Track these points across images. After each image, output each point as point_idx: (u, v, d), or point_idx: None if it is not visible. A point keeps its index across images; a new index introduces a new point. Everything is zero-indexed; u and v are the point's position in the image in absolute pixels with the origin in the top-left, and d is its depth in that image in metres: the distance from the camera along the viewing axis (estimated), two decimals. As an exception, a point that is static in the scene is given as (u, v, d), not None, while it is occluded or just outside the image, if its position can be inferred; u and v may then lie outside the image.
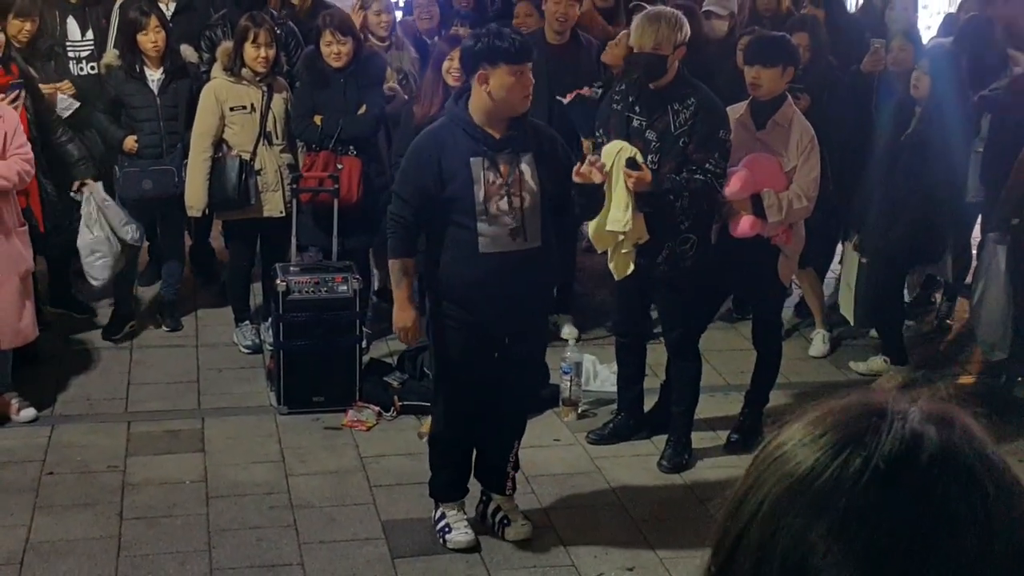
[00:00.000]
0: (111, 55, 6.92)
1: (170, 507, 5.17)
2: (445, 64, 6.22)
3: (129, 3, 6.87)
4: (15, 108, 6.00)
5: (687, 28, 5.30)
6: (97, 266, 6.52)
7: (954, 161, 6.29)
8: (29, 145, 5.78)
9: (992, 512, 0.95)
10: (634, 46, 5.27)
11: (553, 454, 5.76)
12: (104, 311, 7.17)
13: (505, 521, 4.99)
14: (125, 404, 6.23)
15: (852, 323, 6.89)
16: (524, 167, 4.60)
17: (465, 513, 4.99)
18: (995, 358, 6.28)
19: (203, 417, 6.08)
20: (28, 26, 6.65)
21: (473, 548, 4.88)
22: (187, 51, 7.06)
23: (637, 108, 5.32)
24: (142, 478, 5.42)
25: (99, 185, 6.53)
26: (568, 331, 7.03)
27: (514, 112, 4.57)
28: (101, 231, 6.46)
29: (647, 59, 5.20)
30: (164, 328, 7.06)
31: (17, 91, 6.18)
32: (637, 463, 5.67)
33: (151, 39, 6.64)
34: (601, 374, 6.39)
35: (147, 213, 6.91)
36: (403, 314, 4.84)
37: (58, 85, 6.74)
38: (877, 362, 6.72)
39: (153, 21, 6.67)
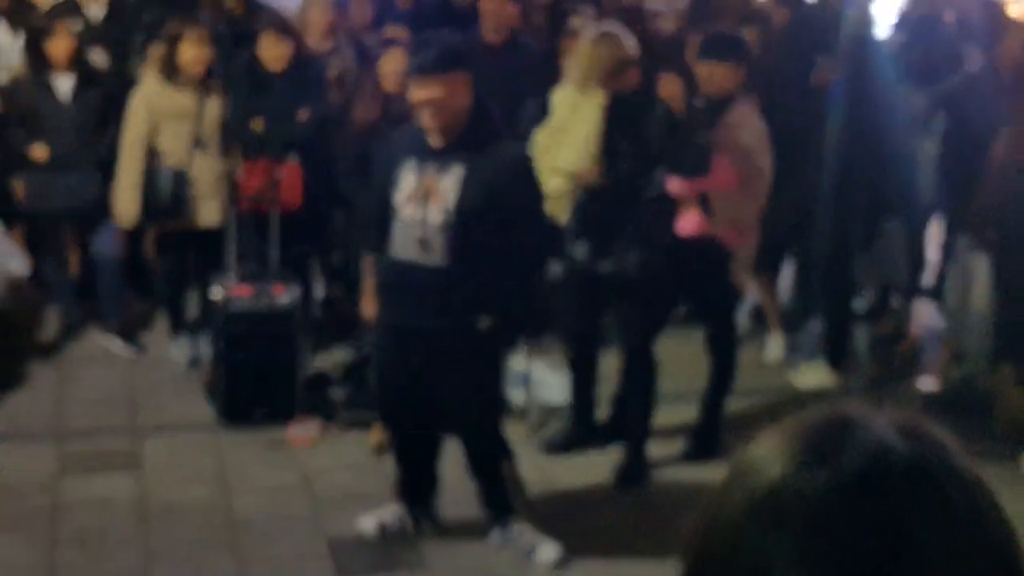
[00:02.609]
0: (17, 64, 6.72)
1: (105, 529, 4.96)
2: (382, 67, 6.09)
3: (57, 7, 6.66)
4: None
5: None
6: None
7: (905, 157, 6.25)
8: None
9: (960, 528, 0.93)
10: None
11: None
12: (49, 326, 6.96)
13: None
14: (57, 422, 5.99)
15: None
16: (447, 181, 4.44)
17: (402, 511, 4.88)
18: (974, 366, 6.22)
19: (139, 434, 5.86)
20: None
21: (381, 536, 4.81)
22: (97, 56, 6.86)
23: None
24: (75, 499, 5.19)
25: None
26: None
27: (426, 125, 4.44)
28: None
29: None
30: (131, 348, 6.80)
31: None
32: (591, 472, 5.53)
33: (59, 45, 6.42)
34: (551, 383, 6.24)
35: (57, 228, 6.71)
36: (365, 306, 4.91)
37: None
38: (819, 375, 6.59)
39: (60, 27, 6.47)
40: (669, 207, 5.30)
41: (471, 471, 4.86)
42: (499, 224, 4.40)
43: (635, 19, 7.11)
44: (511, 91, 6.27)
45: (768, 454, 0.98)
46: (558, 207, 5.26)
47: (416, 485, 4.92)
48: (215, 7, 7.26)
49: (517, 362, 6.00)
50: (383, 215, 4.56)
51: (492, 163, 4.42)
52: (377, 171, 4.69)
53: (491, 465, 4.83)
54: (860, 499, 0.92)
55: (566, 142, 5.21)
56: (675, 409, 6.06)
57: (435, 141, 4.47)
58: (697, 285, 5.67)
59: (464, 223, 4.39)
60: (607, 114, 5.18)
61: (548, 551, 4.76)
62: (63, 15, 6.93)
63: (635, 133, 5.16)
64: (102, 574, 4.65)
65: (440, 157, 4.44)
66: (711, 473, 5.41)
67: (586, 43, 5.23)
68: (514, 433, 5.85)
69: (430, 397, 4.69)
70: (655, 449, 5.63)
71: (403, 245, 4.50)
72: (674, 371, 6.38)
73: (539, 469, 5.54)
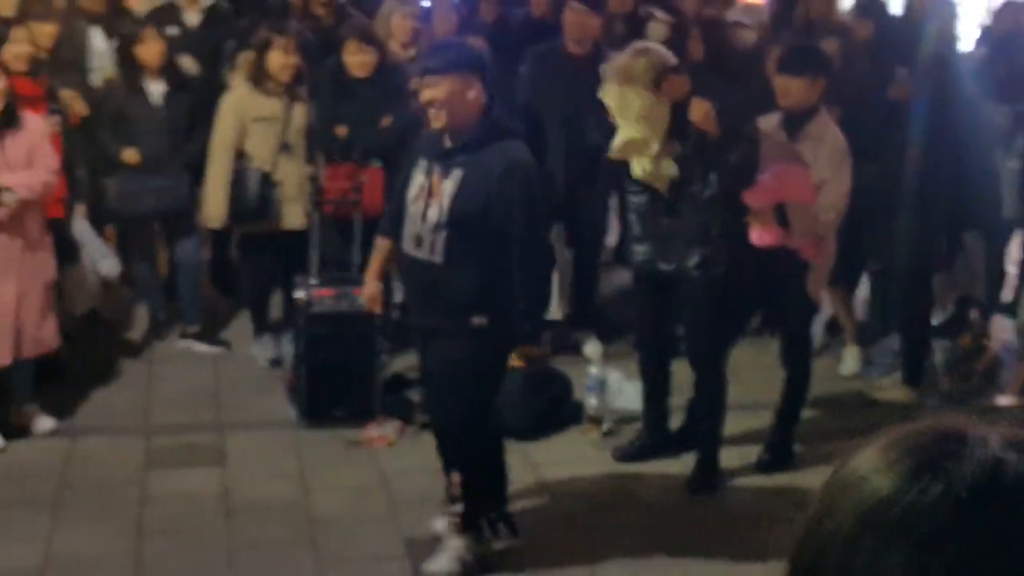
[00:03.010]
0: (110, 69, 6.90)
1: (190, 522, 5.10)
2: None
3: (158, 12, 6.84)
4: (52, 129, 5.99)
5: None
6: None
7: (986, 172, 6.21)
8: (55, 156, 5.75)
9: None
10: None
11: (578, 472, 5.67)
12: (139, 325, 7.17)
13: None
14: (145, 417, 6.17)
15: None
16: (448, 182, 4.53)
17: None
18: None
19: (223, 431, 6.01)
20: (48, 28, 6.60)
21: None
22: (187, 62, 7.03)
23: None
24: (162, 492, 5.35)
25: (83, 212, 6.52)
26: (591, 348, 6.93)
27: (433, 126, 4.57)
28: (85, 262, 6.46)
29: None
30: (215, 348, 6.98)
31: (59, 117, 6.17)
32: (664, 482, 5.57)
33: (150, 50, 6.59)
34: (626, 390, 6.29)
35: (147, 229, 6.89)
36: (368, 285, 5.03)
37: (74, 103, 6.66)
38: (897, 390, 6.58)
39: (150, 32, 6.63)
40: (730, 208, 5.30)
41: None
42: (492, 227, 4.47)
43: (714, 29, 7.14)
44: (595, 101, 6.34)
45: (875, 467, 0.97)
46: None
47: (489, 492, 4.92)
48: (305, 15, 7.42)
49: (591, 370, 6.08)
50: (399, 207, 4.72)
51: (490, 167, 4.47)
52: (405, 166, 4.83)
53: (464, 472, 4.80)
54: (975, 514, 0.91)
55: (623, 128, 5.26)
56: (748, 419, 6.10)
57: (446, 142, 4.57)
58: (773, 296, 5.70)
59: (458, 223, 4.49)
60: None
61: (440, 563, 4.74)
62: (161, 21, 7.13)
63: (687, 137, 5.21)
64: (187, 566, 4.78)
65: (447, 158, 4.55)
66: (784, 484, 5.46)
67: (625, 55, 5.28)
68: (588, 440, 5.96)
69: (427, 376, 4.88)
70: (728, 458, 5.66)
71: (407, 240, 4.66)
72: (748, 380, 6.41)
73: (612, 478, 5.61)
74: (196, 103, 6.77)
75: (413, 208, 4.60)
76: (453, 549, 4.76)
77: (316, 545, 4.95)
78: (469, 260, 4.49)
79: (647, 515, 5.29)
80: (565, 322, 7.09)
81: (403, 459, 5.75)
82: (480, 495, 4.83)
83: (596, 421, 6.02)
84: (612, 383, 6.25)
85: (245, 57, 6.67)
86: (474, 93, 4.46)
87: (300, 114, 6.57)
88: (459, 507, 4.79)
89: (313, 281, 6.24)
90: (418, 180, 4.60)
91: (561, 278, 7.03)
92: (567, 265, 7.16)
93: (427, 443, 5.87)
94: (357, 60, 6.44)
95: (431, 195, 4.53)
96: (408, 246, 4.64)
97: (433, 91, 4.45)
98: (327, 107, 6.58)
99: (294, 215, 6.61)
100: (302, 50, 6.68)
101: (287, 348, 6.66)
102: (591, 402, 6.03)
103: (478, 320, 4.52)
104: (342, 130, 6.49)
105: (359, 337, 6.09)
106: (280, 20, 6.77)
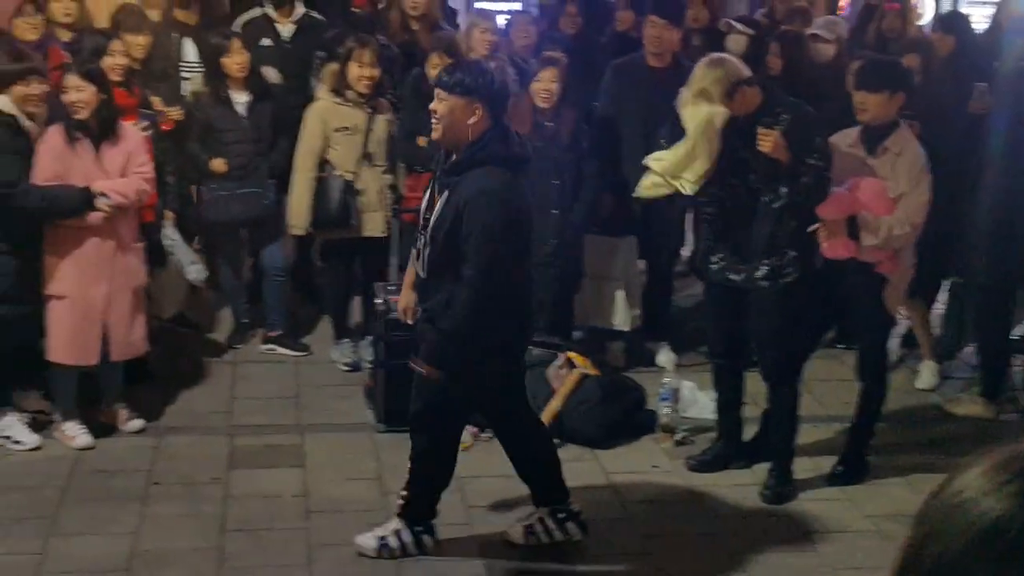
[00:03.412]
0: (197, 81, 7.07)
1: (271, 521, 5.23)
2: (534, 85, 6.31)
3: (251, 23, 7.00)
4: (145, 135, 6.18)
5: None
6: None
7: None
8: (151, 164, 5.93)
9: None
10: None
11: (651, 481, 5.73)
12: (223, 328, 7.37)
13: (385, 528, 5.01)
14: (228, 418, 6.33)
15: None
16: (441, 200, 4.65)
17: None
18: None
19: (303, 433, 6.15)
20: (141, 40, 6.80)
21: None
22: (269, 72, 7.19)
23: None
24: (244, 491, 5.49)
25: (172, 219, 6.69)
26: (664, 357, 7.00)
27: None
28: (173, 268, 6.63)
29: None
30: (296, 352, 7.15)
31: (148, 122, 6.36)
32: (737, 492, 5.61)
33: (235, 61, 6.76)
34: (699, 401, 6.34)
35: (234, 236, 7.06)
36: (402, 296, 5.09)
37: (168, 110, 6.85)
38: (974, 405, 6.55)
39: (236, 44, 6.79)
40: (800, 219, 5.33)
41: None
42: (461, 248, 4.57)
43: (793, 43, 7.15)
44: (672, 112, 6.40)
45: (982, 489, 0.96)
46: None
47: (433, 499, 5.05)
48: (402, 29, 7.56)
49: (665, 380, 6.14)
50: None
51: (463, 191, 4.56)
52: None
53: (416, 462, 4.97)
54: None
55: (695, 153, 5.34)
56: (822, 431, 6.12)
57: (446, 161, 4.71)
58: (847, 309, 5.71)
59: (435, 241, 4.63)
60: (730, 131, 5.29)
61: (367, 540, 4.95)
62: (254, 33, 7.30)
63: (758, 148, 5.25)
64: (267, 564, 4.90)
65: (444, 178, 4.68)
66: (858, 497, 5.48)
67: (699, 66, 5.34)
68: (661, 449, 6.01)
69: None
70: (801, 470, 5.68)
71: (412, 257, 4.88)
72: (822, 392, 6.44)
73: (684, 487, 5.66)
74: (279, 113, 6.92)
75: (423, 222, 4.78)
76: (385, 528, 4.97)
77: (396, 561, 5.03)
78: (445, 276, 4.63)
79: (719, 525, 5.33)
80: (639, 332, 7.15)
81: (477, 463, 5.82)
82: (425, 487, 4.97)
83: (669, 430, 6.07)
84: (685, 393, 6.30)
85: (329, 68, 6.82)
86: (475, 120, 4.56)
87: (382, 124, 6.71)
88: (404, 493, 4.99)
89: (392, 288, 6.35)
90: (428, 195, 4.79)
91: (634, 288, 7.09)
92: (640, 275, 7.21)
93: (501, 448, 5.98)
94: (440, 73, 6.55)
95: (429, 211, 4.70)
96: (413, 261, 4.87)
97: (438, 104, 4.61)
98: (409, 118, 6.71)
99: (375, 223, 6.75)
100: (388, 62, 6.82)
101: (366, 353, 6.80)
102: (664, 411, 6.09)
103: (430, 337, 4.67)
104: (423, 140, 6.60)
105: (437, 343, 6.18)
106: (364, 32, 6.89)
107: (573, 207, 6.50)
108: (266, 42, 7.36)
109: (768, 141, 5.15)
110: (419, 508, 5.00)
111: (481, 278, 4.53)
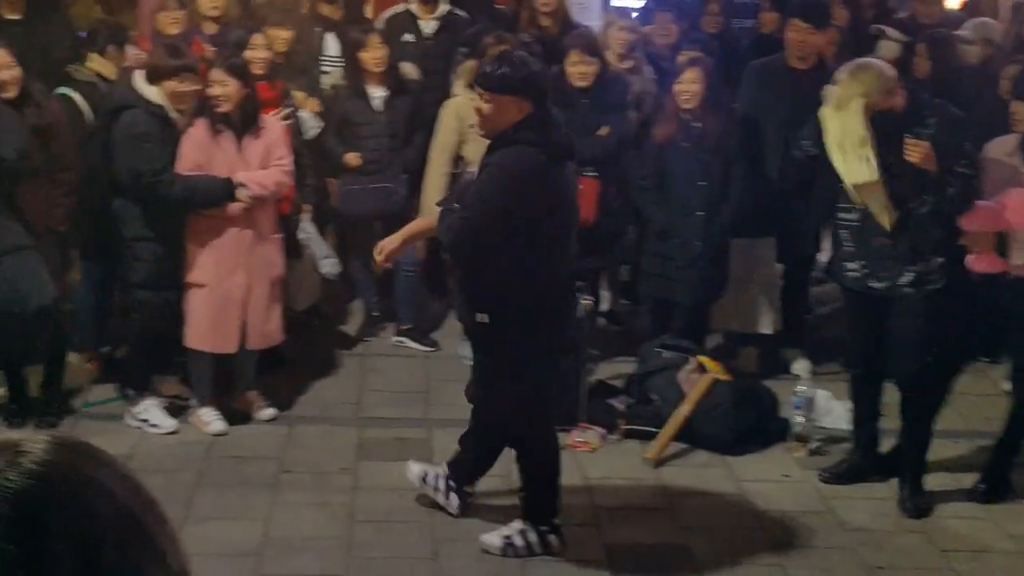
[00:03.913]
0: (337, 75, 7.14)
1: (398, 513, 5.25)
2: (677, 86, 6.24)
3: (394, 19, 7.05)
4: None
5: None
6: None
7: None
8: (290, 157, 6.01)
9: None
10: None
11: (782, 490, 5.62)
12: (355, 321, 7.44)
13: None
14: (357, 410, 6.38)
15: None
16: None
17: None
18: None
19: (431, 427, 6.17)
20: (284, 34, 6.91)
21: None
22: (407, 68, 7.22)
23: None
24: (372, 482, 5.53)
25: (309, 212, 6.77)
26: (799, 365, 6.86)
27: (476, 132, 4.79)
28: (308, 260, 6.70)
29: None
30: (425, 347, 7.19)
31: (291, 110, 6.46)
32: (871, 506, 5.47)
33: (373, 56, 6.81)
34: (835, 410, 6.20)
35: (367, 229, 7.12)
36: (391, 239, 5.11)
37: (308, 102, 6.94)
38: None
39: (374, 39, 6.83)
40: (946, 227, 5.19)
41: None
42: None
43: (942, 47, 6.98)
44: (813, 115, 6.29)
45: None
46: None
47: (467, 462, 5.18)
48: (532, 25, 7.56)
49: (799, 388, 6.01)
50: None
51: (482, 169, 4.68)
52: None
53: (518, 460, 4.99)
54: None
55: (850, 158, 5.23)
56: (964, 446, 5.94)
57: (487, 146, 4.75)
58: (1003, 323, 5.53)
59: None
60: (874, 135, 5.17)
61: (493, 539, 4.93)
62: (397, 29, 7.37)
63: (903, 153, 5.12)
64: (393, 556, 4.93)
65: (483, 160, 4.75)
66: (1000, 515, 5.30)
67: (842, 75, 5.21)
68: (793, 458, 5.89)
69: None
70: (941, 486, 5.54)
71: None
72: (965, 407, 6.24)
73: (817, 497, 5.54)
74: (415, 109, 6.96)
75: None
76: (511, 528, 4.96)
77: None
78: (476, 259, 4.69)
79: (852, 538, 5.20)
80: (773, 338, 7.02)
81: (605, 466, 5.79)
82: (538, 485, 4.97)
83: (802, 439, 5.95)
84: (820, 401, 6.17)
85: (467, 64, 6.84)
86: (520, 114, 4.57)
87: (519, 121, 6.69)
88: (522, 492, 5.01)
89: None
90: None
91: (773, 291, 6.97)
92: (777, 279, 7.09)
93: (629, 451, 5.94)
94: (578, 70, 6.53)
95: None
96: None
97: (484, 105, 4.60)
98: (547, 115, 6.68)
99: (508, 220, 6.73)
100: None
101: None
102: (798, 420, 5.96)
103: (480, 317, 4.69)
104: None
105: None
106: (505, 29, 6.89)
107: (720, 210, 6.41)
108: (408, 38, 7.41)
109: (917, 152, 5.02)
110: (540, 507, 4.97)
111: (460, 225, 4.61)
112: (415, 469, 5.28)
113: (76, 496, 0.84)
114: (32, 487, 0.82)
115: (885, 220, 5.23)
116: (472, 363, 5.08)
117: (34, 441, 0.86)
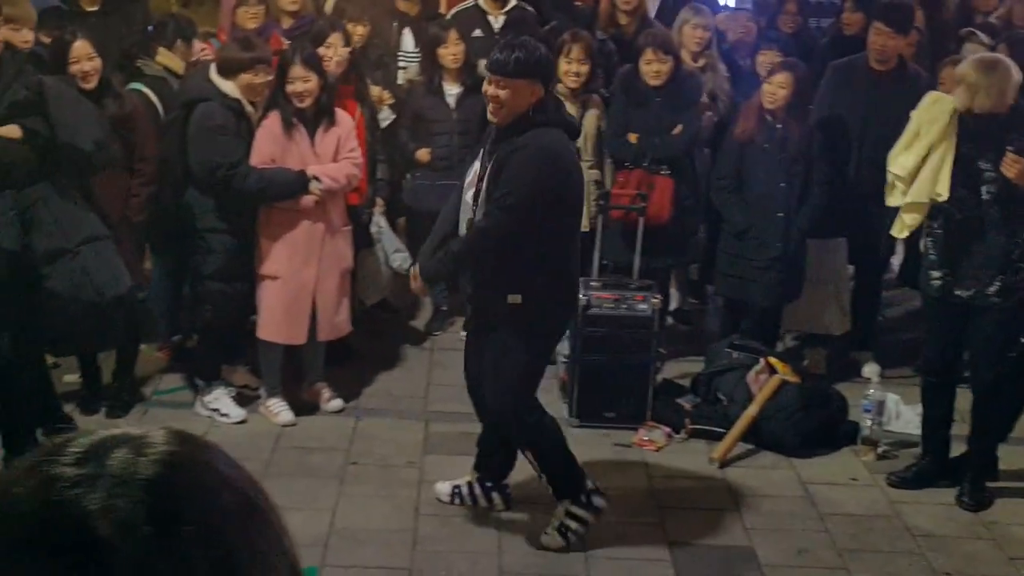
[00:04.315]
0: (412, 70, 7.16)
1: (465, 508, 5.27)
2: (765, 86, 6.21)
3: (462, 13, 7.07)
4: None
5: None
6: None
7: None
8: (360, 150, 6.05)
9: None
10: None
11: (849, 493, 5.57)
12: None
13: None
14: (424, 403, 6.42)
15: None
16: (489, 168, 4.67)
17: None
18: None
19: (498, 423, 6.19)
20: (360, 30, 6.95)
21: None
22: (480, 64, 7.22)
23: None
24: (437, 476, 5.55)
25: (381, 206, 6.81)
26: (869, 368, 6.80)
27: (489, 117, 4.71)
28: (379, 254, 6.74)
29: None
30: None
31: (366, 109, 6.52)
32: (939, 511, 5.41)
33: (450, 52, 6.82)
34: (904, 414, 6.14)
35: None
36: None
37: (383, 96, 6.97)
38: None
39: (452, 35, 6.85)
40: None
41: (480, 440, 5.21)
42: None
43: (1022, 46, 6.86)
44: (895, 116, 6.23)
45: None
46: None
47: (495, 459, 5.14)
48: (611, 23, 7.55)
49: (869, 391, 5.95)
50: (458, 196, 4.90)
51: (512, 152, 4.60)
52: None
53: (530, 448, 4.98)
54: None
55: (912, 151, 5.18)
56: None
57: (490, 118, 4.71)
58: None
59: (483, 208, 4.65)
60: (964, 138, 5.10)
61: (550, 540, 4.93)
62: (465, 25, 7.38)
63: (999, 156, 5.05)
64: (458, 550, 4.95)
65: (493, 146, 4.68)
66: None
67: (969, 70, 5.14)
68: (861, 461, 5.84)
69: (475, 361, 5.00)
70: (1013, 493, 5.47)
71: (461, 225, 4.82)
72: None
73: (884, 501, 5.48)
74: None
75: (467, 195, 4.79)
76: (557, 517, 4.95)
77: (584, 543, 5.03)
78: (514, 240, 4.65)
79: (918, 543, 5.14)
80: (844, 340, 6.95)
81: (670, 465, 5.78)
82: (553, 462, 4.97)
83: (871, 443, 5.89)
84: (890, 405, 6.11)
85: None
86: (535, 97, 4.58)
87: (591, 119, 6.68)
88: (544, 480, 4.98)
89: (594, 283, 6.34)
90: (474, 168, 4.81)
91: (844, 292, 6.91)
92: (848, 281, 7.02)
93: (695, 450, 5.92)
94: (653, 69, 6.51)
95: (481, 181, 4.71)
96: (462, 231, 4.82)
97: (499, 91, 4.58)
98: (620, 113, 6.68)
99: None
100: (602, 57, 6.79)
101: (562, 347, 6.79)
102: (867, 423, 5.91)
103: (512, 299, 4.66)
104: (633, 136, 6.57)
105: (635, 342, 6.14)
106: (584, 27, 6.88)
107: (799, 211, 6.35)
108: (477, 33, 7.42)
109: (1015, 168, 4.97)
110: (569, 480, 4.99)
111: (501, 223, 4.59)
112: (443, 488, 5.27)
113: (201, 483, 0.88)
114: (163, 475, 0.86)
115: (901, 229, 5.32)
116: (487, 349, 4.88)
117: (155, 433, 0.91)
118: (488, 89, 4.63)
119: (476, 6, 7.57)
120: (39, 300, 4.78)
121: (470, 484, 5.24)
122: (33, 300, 4.84)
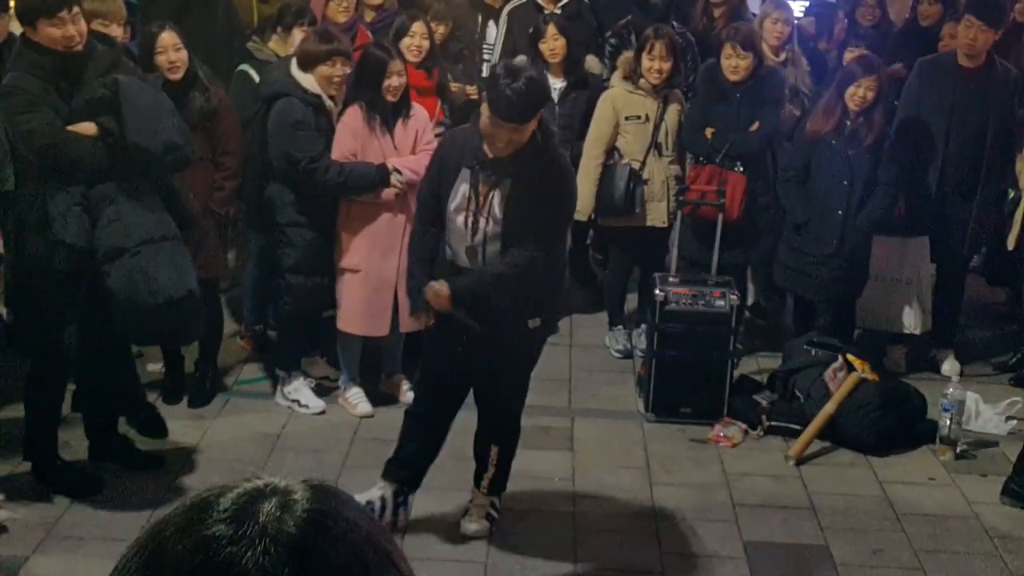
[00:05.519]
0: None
1: (539, 502, 5.32)
2: (850, 90, 6.12)
3: (518, 9, 7.08)
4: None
5: None
6: None
7: None
8: (436, 142, 6.09)
9: None
10: None
11: (926, 493, 5.53)
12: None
13: (467, 514, 5.07)
14: (503, 396, 6.46)
15: None
16: (498, 192, 4.53)
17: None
18: None
19: (573, 416, 6.22)
20: (442, 29, 7.01)
21: None
22: (592, 62, 7.22)
23: None
24: (514, 470, 5.55)
25: None
26: (949, 366, 6.73)
27: (494, 151, 4.51)
28: None
29: None
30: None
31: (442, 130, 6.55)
32: (1018, 514, 5.35)
33: (549, 47, 6.85)
34: (984, 414, 6.07)
35: None
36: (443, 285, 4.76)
37: (465, 88, 7.02)
38: None
39: (551, 29, 6.86)
40: None
41: (477, 440, 5.12)
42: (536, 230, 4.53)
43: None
44: (983, 113, 6.17)
45: None
46: None
47: (416, 469, 5.12)
48: (703, 16, 7.52)
49: (949, 390, 5.89)
50: (434, 206, 4.71)
51: (537, 174, 4.50)
52: (434, 166, 4.77)
53: (498, 446, 5.05)
54: None
55: None
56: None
57: (491, 151, 4.52)
58: None
59: (511, 232, 4.54)
60: None
61: (474, 526, 5.02)
62: (524, 19, 7.33)
63: None
64: (535, 543, 4.98)
65: (491, 168, 4.53)
66: None
67: None
68: (939, 461, 5.79)
69: (465, 384, 4.95)
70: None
71: (455, 252, 4.70)
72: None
73: (965, 504, 5.43)
74: (591, 102, 6.86)
75: (459, 220, 4.63)
76: (484, 507, 5.05)
77: (658, 537, 5.06)
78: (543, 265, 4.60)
79: (999, 545, 5.10)
80: (924, 338, 6.89)
81: (746, 462, 5.77)
82: (509, 460, 5.10)
83: (950, 443, 5.83)
84: (969, 404, 6.04)
85: (624, 56, 6.85)
86: (536, 123, 4.50)
87: (673, 114, 6.68)
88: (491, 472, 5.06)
89: (672, 279, 6.34)
90: (462, 192, 4.60)
91: (925, 291, 6.83)
92: (929, 279, 6.94)
93: (771, 447, 5.91)
94: (732, 64, 6.49)
95: (483, 209, 4.57)
96: (458, 258, 4.70)
97: (514, 134, 4.44)
98: (699, 109, 6.67)
99: (658, 213, 6.73)
100: (684, 52, 6.77)
101: (639, 341, 6.81)
102: (946, 422, 5.85)
103: (533, 323, 4.68)
104: (709, 131, 6.55)
105: (712, 337, 6.14)
106: (659, 20, 6.87)
107: (861, 210, 6.29)
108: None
109: None
110: (505, 479, 5.12)
111: (549, 252, 4.57)
112: (472, 527, 5.08)
113: (344, 538, 0.94)
114: (309, 532, 0.92)
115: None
116: (493, 363, 4.83)
117: (298, 487, 0.97)
118: (500, 135, 4.44)
119: (533, 1, 7.55)
120: (103, 296, 4.86)
121: (482, 509, 5.14)
122: (97, 295, 4.91)
